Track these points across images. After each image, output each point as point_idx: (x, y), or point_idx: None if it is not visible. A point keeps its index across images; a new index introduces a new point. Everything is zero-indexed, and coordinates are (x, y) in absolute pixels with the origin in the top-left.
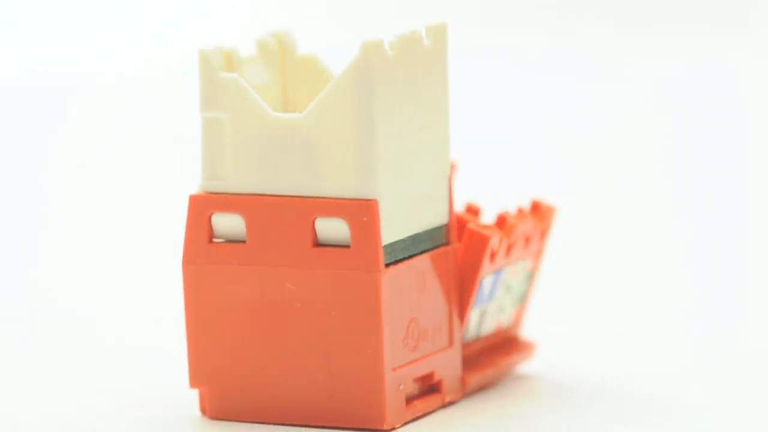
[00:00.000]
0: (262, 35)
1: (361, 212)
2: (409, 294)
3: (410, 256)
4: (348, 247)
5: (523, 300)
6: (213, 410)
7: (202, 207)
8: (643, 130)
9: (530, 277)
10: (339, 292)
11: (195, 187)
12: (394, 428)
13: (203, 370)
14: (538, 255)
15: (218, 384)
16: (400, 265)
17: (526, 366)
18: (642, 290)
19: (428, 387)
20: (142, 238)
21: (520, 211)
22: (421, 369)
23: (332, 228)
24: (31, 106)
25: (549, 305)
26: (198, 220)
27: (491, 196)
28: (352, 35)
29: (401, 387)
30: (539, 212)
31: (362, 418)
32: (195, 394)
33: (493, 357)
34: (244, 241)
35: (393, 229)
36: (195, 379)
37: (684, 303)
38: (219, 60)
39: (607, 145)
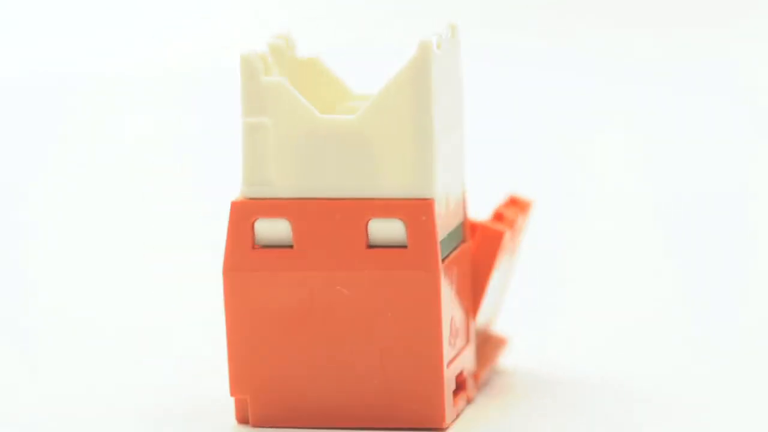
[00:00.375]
0: (271, 37)
1: (420, 212)
2: (450, 292)
3: (447, 254)
4: (401, 247)
5: (502, 295)
6: (256, 418)
7: (245, 213)
8: (643, 129)
9: (507, 272)
10: (395, 293)
11: (192, 186)
12: (448, 427)
13: (246, 378)
14: (514, 250)
15: (262, 391)
16: (445, 263)
17: (527, 366)
18: (642, 290)
19: (456, 385)
20: (143, 237)
21: (507, 206)
22: (457, 367)
23: (382, 228)
24: (30, 106)
25: (549, 305)
26: (240, 227)
27: (486, 193)
28: (352, 35)
29: (452, 386)
30: (521, 206)
31: (420, 418)
32: (221, 402)
33: (485, 352)
34: (289, 246)
35: (440, 227)
36: (236, 388)
37: (684, 303)
38: (260, 64)
39: (606, 145)
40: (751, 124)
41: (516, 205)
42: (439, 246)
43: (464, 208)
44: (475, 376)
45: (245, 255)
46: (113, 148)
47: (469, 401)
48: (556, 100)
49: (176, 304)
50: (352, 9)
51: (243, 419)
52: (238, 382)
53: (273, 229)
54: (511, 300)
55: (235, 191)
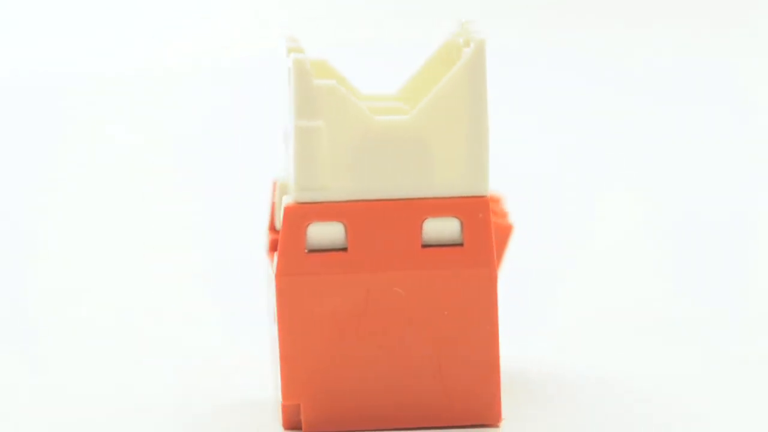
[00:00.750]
0: (285, 39)
1: (476, 209)
2: None
3: None
4: (454, 245)
5: None
6: (309, 423)
7: (298, 218)
8: (642, 129)
9: None
10: (451, 291)
11: (191, 186)
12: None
13: (299, 384)
14: None
15: (316, 397)
16: None
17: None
18: (642, 290)
19: None
20: (142, 238)
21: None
22: None
23: (435, 227)
24: (30, 105)
25: (550, 305)
26: (294, 232)
27: None
28: (352, 35)
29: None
30: (495, 201)
31: (477, 415)
32: (259, 407)
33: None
34: (342, 249)
35: None
36: (289, 394)
37: (684, 303)
38: (311, 68)
39: (606, 145)
40: (751, 124)
41: (492, 201)
42: (494, 243)
43: None
44: None
45: (299, 259)
46: (113, 148)
47: None
48: (556, 100)
49: (194, 307)
50: (352, 9)
51: (292, 425)
52: (290, 388)
53: (325, 232)
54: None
55: (236, 191)
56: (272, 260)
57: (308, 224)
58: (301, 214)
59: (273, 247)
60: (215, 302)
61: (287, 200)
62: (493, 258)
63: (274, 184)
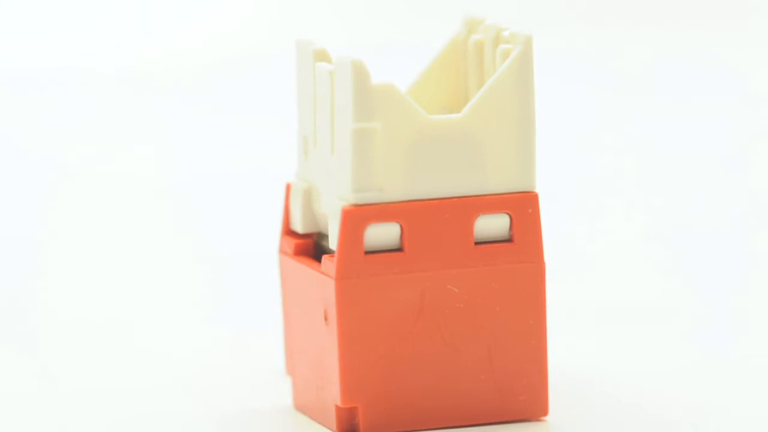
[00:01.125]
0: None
1: (526, 205)
2: None
3: None
4: (505, 241)
5: None
6: (367, 426)
7: (357, 220)
8: (642, 128)
9: None
10: (502, 287)
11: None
12: None
13: (358, 387)
14: None
15: (374, 398)
16: None
17: None
18: (643, 290)
19: None
20: (142, 238)
21: None
22: None
23: (485, 224)
24: (29, 104)
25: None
26: (353, 234)
27: None
28: (352, 35)
29: None
30: None
31: (526, 410)
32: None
33: None
34: (396, 250)
35: None
36: (348, 398)
37: (685, 303)
38: (369, 69)
39: (606, 144)
40: (752, 123)
41: None
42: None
43: None
44: None
45: (358, 262)
46: (113, 147)
47: None
48: (554, 100)
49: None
50: (352, 9)
51: (348, 429)
52: (349, 392)
53: (380, 233)
54: None
55: (236, 191)
56: (298, 264)
57: (366, 226)
58: (359, 216)
59: (297, 251)
60: (217, 304)
61: (334, 203)
62: (542, 253)
63: (288, 186)
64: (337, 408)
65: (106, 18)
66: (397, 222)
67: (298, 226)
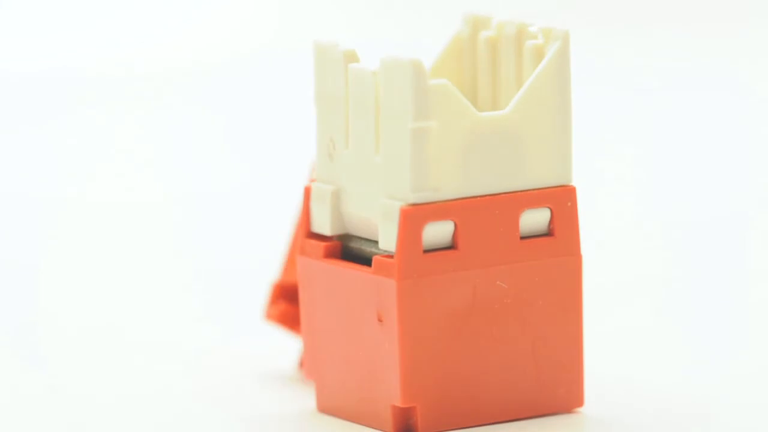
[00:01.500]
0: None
1: (566, 198)
2: None
3: None
4: (545, 235)
5: None
6: (425, 425)
7: (416, 220)
8: (642, 128)
9: None
10: (544, 281)
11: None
12: None
13: (417, 387)
14: None
15: (431, 397)
16: None
17: None
18: (643, 292)
19: None
20: (145, 239)
21: None
22: None
23: (529, 219)
24: (30, 104)
25: None
26: (412, 234)
27: None
28: (353, 35)
29: None
30: None
31: (564, 401)
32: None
33: None
34: (449, 248)
35: None
36: (408, 398)
37: (685, 304)
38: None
39: (606, 144)
40: (752, 124)
41: None
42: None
43: None
44: None
45: (418, 261)
46: (113, 147)
47: None
48: None
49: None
50: (353, 9)
51: (404, 429)
52: (409, 391)
53: (435, 232)
54: None
55: (235, 191)
56: (333, 266)
57: (424, 225)
58: (418, 215)
59: (327, 253)
60: (221, 306)
61: (383, 203)
62: (579, 245)
63: (307, 190)
64: (394, 408)
65: (106, 20)
66: (452, 220)
67: (327, 229)
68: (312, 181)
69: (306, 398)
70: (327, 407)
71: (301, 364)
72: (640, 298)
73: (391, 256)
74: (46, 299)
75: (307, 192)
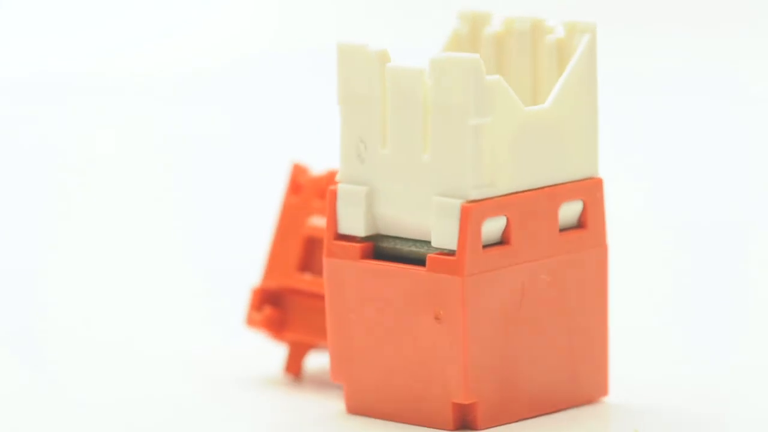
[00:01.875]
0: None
1: (595, 190)
2: None
3: None
4: (576, 227)
5: None
6: (484, 420)
7: (476, 216)
8: (642, 129)
9: None
10: (578, 272)
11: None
12: None
13: (478, 382)
14: None
15: (490, 393)
16: None
17: None
18: (644, 292)
19: None
20: (146, 239)
21: None
22: None
23: (564, 211)
24: (30, 105)
25: None
26: (474, 230)
27: None
28: (352, 35)
29: None
30: None
31: (592, 392)
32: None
33: None
34: (498, 243)
35: None
36: (470, 394)
37: (686, 305)
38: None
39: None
40: (753, 124)
41: None
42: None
43: None
44: None
45: (479, 257)
46: (112, 147)
47: None
48: None
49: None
50: (353, 9)
51: (461, 425)
52: (471, 388)
53: (489, 227)
54: None
55: (235, 191)
56: (375, 266)
57: (484, 221)
58: (479, 211)
59: (363, 254)
60: (224, 307)
61: (434, 201)
62: (606, 236)
63: (333, 192)
64: (455, 405)
65: (110, 24)
66: (505, 215)
67: (360, 230)
68: (337, 183)
69: (315, 402)
70: (360, 408)
71: (288, 368)
72: (658, 288)
73: (447, 254)
74: (35, 304)
75: (333, 194)
